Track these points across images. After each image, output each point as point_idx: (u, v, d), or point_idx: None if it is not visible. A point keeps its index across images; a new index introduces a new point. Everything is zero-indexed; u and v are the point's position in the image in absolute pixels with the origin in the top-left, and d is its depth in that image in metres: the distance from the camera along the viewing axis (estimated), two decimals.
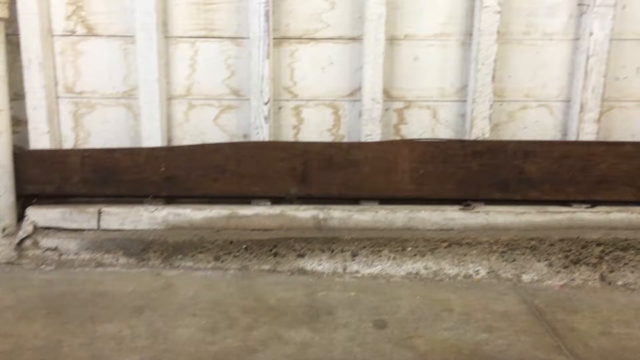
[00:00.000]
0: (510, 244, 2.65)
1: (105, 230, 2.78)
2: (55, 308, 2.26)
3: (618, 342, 2.07)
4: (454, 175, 2.80)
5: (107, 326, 2.13)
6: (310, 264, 2.66)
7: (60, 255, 2.71)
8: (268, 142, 2.80)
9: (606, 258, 2.61)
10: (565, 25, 2.81)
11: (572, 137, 2.86)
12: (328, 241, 2.68)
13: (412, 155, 2.80)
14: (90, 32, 2.78)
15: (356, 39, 2.80)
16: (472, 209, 2.81)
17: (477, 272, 2.63)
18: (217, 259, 2.68)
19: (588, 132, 2.83)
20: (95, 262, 2.70)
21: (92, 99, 2.85)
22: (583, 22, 2.77)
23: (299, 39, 2.81)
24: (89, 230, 2.78)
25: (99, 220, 2.78)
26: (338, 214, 2.78)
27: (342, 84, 2.86)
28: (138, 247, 2.69)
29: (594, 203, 2.84)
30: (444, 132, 2.92)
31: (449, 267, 2.64)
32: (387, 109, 2.88)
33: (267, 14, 2.66)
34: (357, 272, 2.65)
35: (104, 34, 2.79)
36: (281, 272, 2.65)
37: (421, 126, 2.92)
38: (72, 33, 2.78)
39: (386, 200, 2.85)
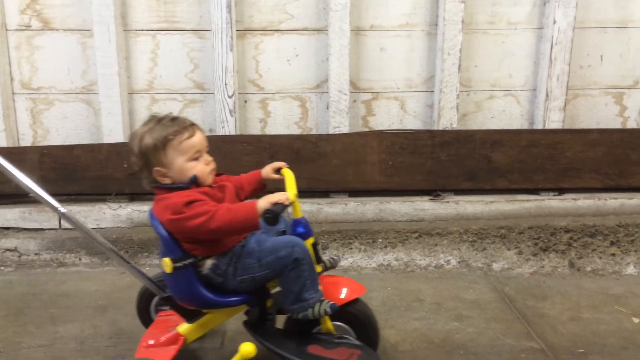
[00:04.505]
0: (480, 233, 2.65)
1: (67, 229, 2.69)
2: (14, 309, 2.18)
3: (587, 327, 2.07)
4: (423, 165, 2.79)
5: (68, 326, 2.06)
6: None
7: (20, 255, 2.62)
8: (234, 136, 2.75)
9: (574, 245, 2.63)
10: (529, 14, 2.82)
11: (538, 126, 2.88)
12: None
13: (381, 146, 2.78)
14: (46, 26, 2.70)
15: (321, 30, 2.77)
16: (442, 199, 2.81)
17: (448, 261, 2.63)
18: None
19: (554, 121, 2.85)
20: (57, 262, 2.61)
21: (50, 95, 2.77)
22: (546, 11, 2.79)
23: (263, 30, 2.77)
24: (50, 229, 2.70)
25: (60, 219, 2.69)
26: (307, 207, 2.74)
27: (309, 75, 2.83)
28: (101, 245, 2.61)
29: (561, 191, 2.86)
30: (413, 123, 2.91)
31: (419, 258, 2.63)
32: (354, 101, 2.86)
33: (229, 6, 2.62)
34: None
35: (60, 28, 2.71)
36: None
37: (389, 117, 2.91)
38: (27, 27, 2.69)
39: (356, 192, 2.82)
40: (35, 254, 2.62)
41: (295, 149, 2.73)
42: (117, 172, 2.71)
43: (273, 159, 2.71)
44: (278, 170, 1.79)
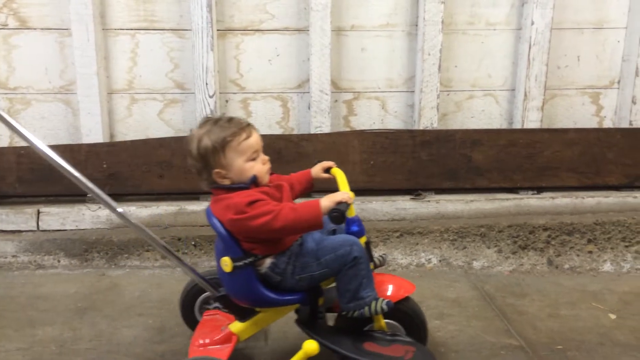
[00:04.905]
0: (461, 232, 2.67)
1: (45, 231, 2.66)
2: None
3: (565, 324, 2.10)
4: (404, 165, 2.81)
5: (47, 329, 2.03)
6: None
7: None
8: None
9: (553, 242, 2.67)
10: (507, 15, 2.85)
11: (517, 125, 2.91)
12: None
13: (363, 146, 2.79)
14: (24, 25, 2.66)
15: (302, 30, 2.77)
16: (423, 198, 2.83)
17: (429, 260, 2.64)
18: (165, 256, 2.60)
19: (532, 120, 2.88)
20: (35, 264, 2.58)
21: (28, 95, 2.73)
22: (525, 12, 2.82)
23: (244, 30, 2.76)
24: (28, 231, 2.66)
25: (38, 220, 2.66)
26: None
27: (290, 75, 2.83)
28: (80, 247, 2.58)
29: (539, 189, 2.89)
30: (394, 123, 2.93)
31: (401, 257, 2.64)
32: (335, 101, 2.86)
33: (209, 5, 2.60)
34: None
35: (38, 27, 2.67)
36: None
37: (370, 117, 2.92)
38: (4, 26, 2.65)
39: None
40: (13, 256, 2.58)
41: (276, 149, 2.73)
42: (97, 173, 2.68)
43: None
44: (327, 170, 1.82)
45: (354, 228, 1.63)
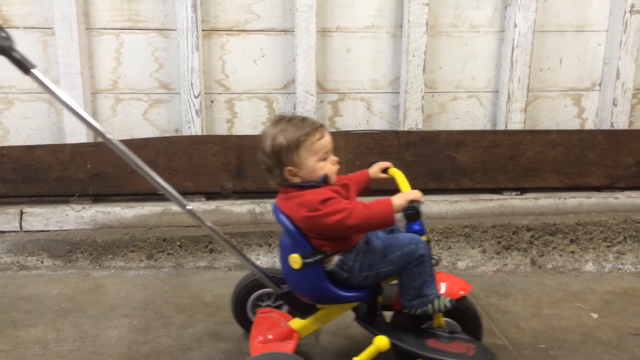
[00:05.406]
0: (446, 232, 2.69)
1: (28, 231, 2.63)
2: None
3: (548, 323, 2.13)
4: None
5: (30, 331, 2.01)
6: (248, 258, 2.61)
7: None
8: (201, 136, 2.73)
9: (536, 243, 2.69)
10: (491, 18, 2.88)
11: (501, 127, 2.94)
12: (265, 235, 2.64)
13: (348, 147, 2.80)
14: (6, 24, 2.63)
15: (288, 31, 2.77)
16: None
17: None
18: (150, 257, 2.59)
19: (516, 122, 2.91)
20: (18, 265, 2.55)
21: (10, 94, 2.70)
22: (508, 15, 2.85)
23: (229, 30, 2.76)
24: (11, 232, 2.63)
25: (20, 221, 2.63)
26: None
27: (275, 76, 2.83)
28: (64, 248, 2.56)
29: (523, 190, 2.92)
30: (379, 124, 2.94)
31: None
32: (321, 101, 2.87)
33: (194, 5, 2.60)
34: None
35: (20, 26, 2.64)
36: (218, 269, 2.58)
37: (356, 118, 2.93)
38: None
39: None
40: None
41: None
42: (80, 173, 2.66)
43: (240, 159, 2.74)
44: (385, 170, 1.85)
45: (416, 227, 1.65)
